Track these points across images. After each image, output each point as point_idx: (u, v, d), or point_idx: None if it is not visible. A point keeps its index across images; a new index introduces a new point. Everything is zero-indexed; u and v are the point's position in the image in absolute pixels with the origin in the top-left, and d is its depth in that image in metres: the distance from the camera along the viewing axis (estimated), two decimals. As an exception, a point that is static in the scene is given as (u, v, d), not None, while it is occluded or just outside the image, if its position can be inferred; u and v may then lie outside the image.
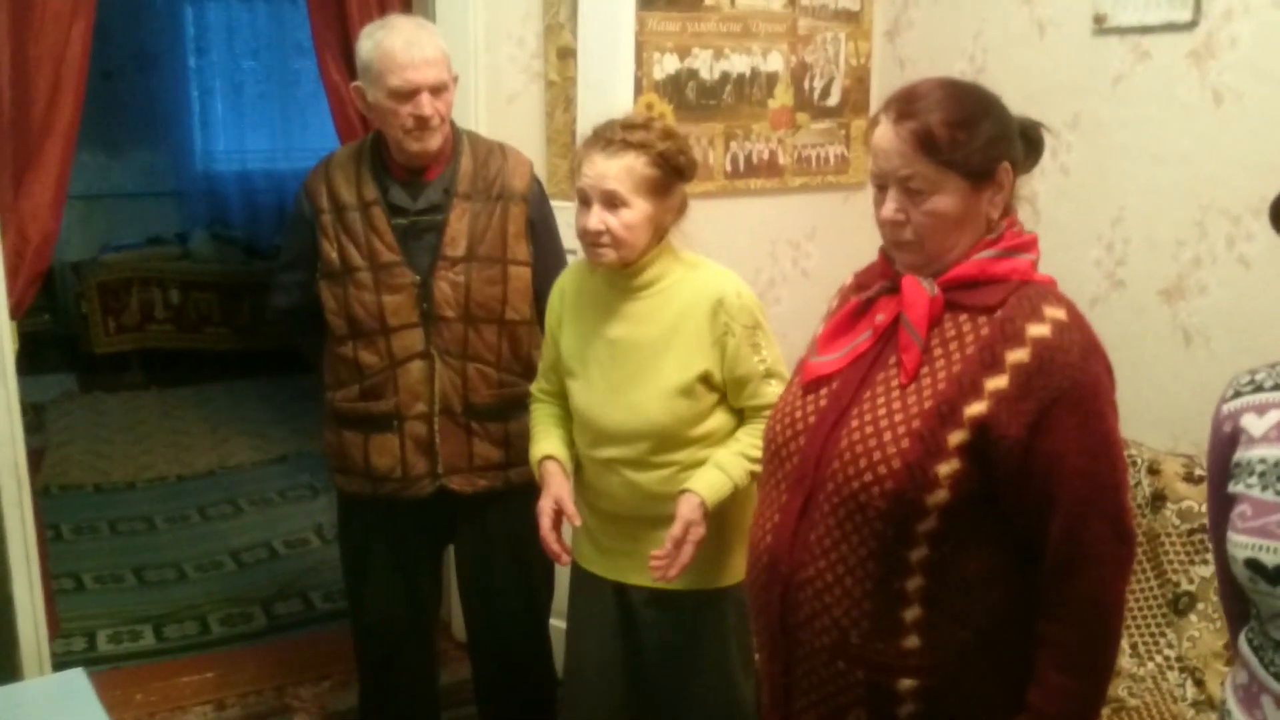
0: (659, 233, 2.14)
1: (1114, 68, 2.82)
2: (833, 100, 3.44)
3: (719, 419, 2.15)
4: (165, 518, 4.65)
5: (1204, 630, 2.37)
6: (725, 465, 2.11)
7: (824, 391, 1.64)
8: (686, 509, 2.06)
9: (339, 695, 3.27)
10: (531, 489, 2.51)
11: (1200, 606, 2.39)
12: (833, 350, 1.67)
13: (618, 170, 2.06)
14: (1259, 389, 1.43)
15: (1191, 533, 2.44)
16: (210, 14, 7.24)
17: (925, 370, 1.55)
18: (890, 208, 1.57)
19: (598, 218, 2.07)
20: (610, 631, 2.30)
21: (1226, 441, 1.44)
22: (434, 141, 2.36)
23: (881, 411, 1.55)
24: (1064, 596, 1.51)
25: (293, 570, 4.17)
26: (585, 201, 2.11)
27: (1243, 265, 2.57)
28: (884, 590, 1.54)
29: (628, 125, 2.11)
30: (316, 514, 4.61)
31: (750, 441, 2.10)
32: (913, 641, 1.54)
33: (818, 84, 3.41)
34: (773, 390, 2.09)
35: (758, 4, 3.26)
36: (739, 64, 3.27)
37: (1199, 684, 2.33)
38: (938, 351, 1.55)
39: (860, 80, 3.48)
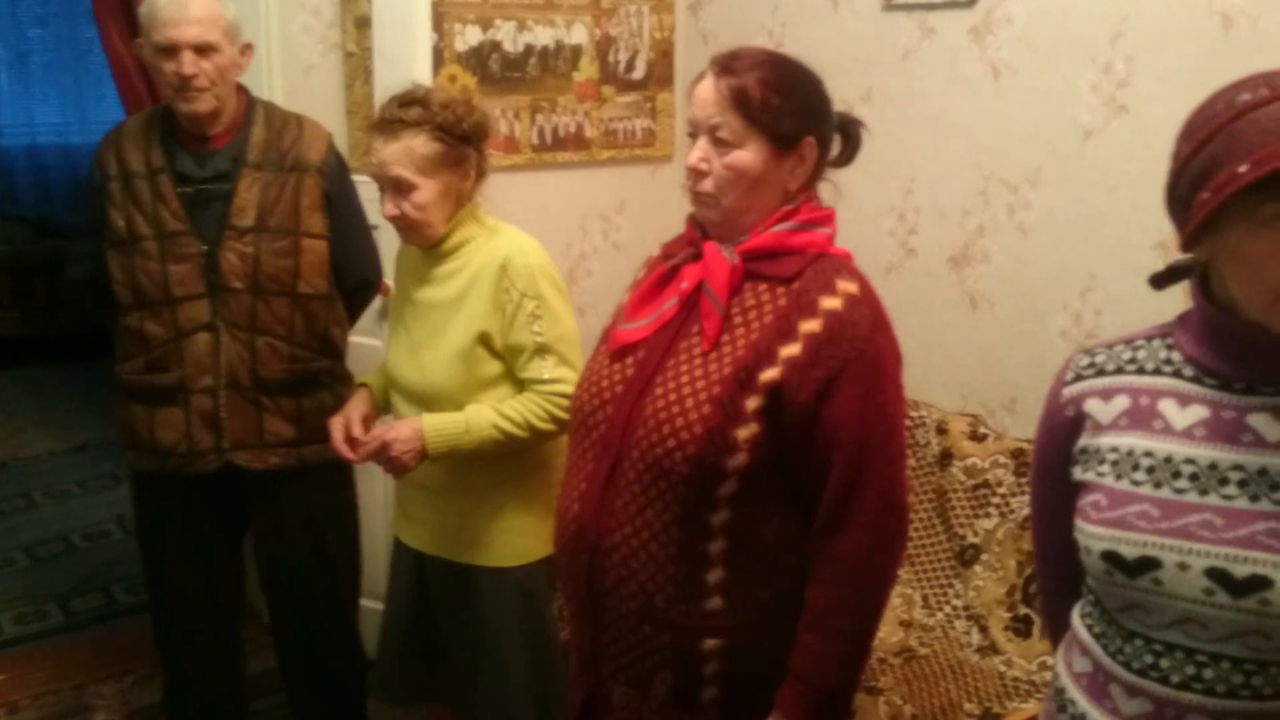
0: (460, 201, 2.14)
1: (902, 43, 2.92)
2: (638, 74, 3.46)
3: (504, 390, 2.14)
4: (-48, 514, 4.39)
5: (988, 580, 2.49)
6: (469, 414, 2.09)
7: (630, 360, 1.67)
8: (400, 428, 2.09)
9: (143, 690, 3.16)
10: (327, 468, 2.47)
11: (984, 558, 2.51)
12: (640, 318, 1.70)
13: (397, 154, 2.06)
14: (1101, 373, 1.35)
15: (976, 488, 2.56)
16: (-11, -22, 6.80)
17: (726, 338, 1.58)
18: (695, 155, 1.61)
19: (391, 204, 2.09)
20: (409, 601, 2.30)
21: (1068, 426, 1.37)
22: (202, 104, 2.29)
23: (685, 379, 1.58)
24: (826, 559, 1.56)
25: (93, 564, 3.99)
26: (382, 188, 2.11)
27: (1021, 233, 2.70)
28: (688, 554, 1.57)
29: (404, 102, 2.10)
30: (119, 504, 4.40)
31: (514, 407, 2.09)
32: (716, 603, 1.59)
33: (622, 57, 3.42)
34: (546, 366, 2.09)
35: (560, -25, 3.25)
36: (543, 36, 3.25)
37: (983, 630, 2.46)
38: (738, 320, 1.59)
39: (665, 54, 3.50)
